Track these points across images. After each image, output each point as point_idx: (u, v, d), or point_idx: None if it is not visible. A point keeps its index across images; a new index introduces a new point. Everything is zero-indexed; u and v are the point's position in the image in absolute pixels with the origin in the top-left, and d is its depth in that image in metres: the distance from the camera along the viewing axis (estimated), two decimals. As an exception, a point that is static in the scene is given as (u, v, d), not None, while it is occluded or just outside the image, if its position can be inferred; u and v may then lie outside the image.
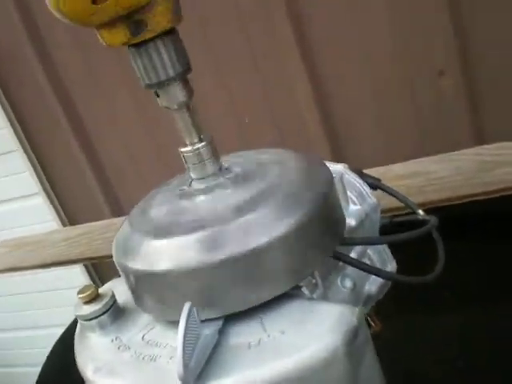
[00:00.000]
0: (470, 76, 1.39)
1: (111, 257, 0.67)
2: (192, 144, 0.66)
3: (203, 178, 0.67)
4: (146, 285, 0.62)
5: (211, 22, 1.59)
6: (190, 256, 0.58)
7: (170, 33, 0.61)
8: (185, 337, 0.54)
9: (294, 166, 0.66)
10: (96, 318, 0.67)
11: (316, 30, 1.50)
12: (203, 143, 0.66)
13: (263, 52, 1.58)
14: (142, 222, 0.67)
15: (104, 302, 0.67)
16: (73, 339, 0.71)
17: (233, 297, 0.59)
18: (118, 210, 2.05)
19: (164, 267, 0.59)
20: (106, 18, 0.56)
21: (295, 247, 0.59)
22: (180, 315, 0.55)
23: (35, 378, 1.45)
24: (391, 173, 1.39)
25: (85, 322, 0.68)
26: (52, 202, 2.23)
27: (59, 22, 0.57)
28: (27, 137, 2.12)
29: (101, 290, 0.69)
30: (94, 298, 0.68)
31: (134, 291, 0.65)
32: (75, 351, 0.68)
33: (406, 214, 0.87)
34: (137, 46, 0.60)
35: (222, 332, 0.59)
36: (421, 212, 0.84)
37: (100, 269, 2.40)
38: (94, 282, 2.41)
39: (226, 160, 0.71)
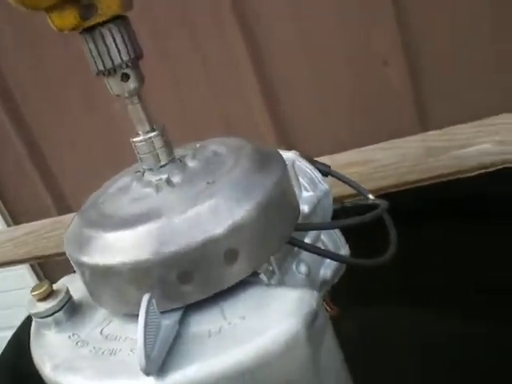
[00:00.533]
0: (414, 65, 1.41)
1: (59, 255, 0.66)
2: (144, 133, 0.65)
3: (156, 169, 0.66)
4: (102, 279, 0.61)
5: (157, 12, 1.57)
6: (144, 248, 0.58)
7: (122, 18, 0.60)
8: (145, 328, 0.53)
9: (247, 155, 0.66)
10: (51, 314, 0.66)
11: (262, 26, 1.51)
12: (155, 132, 0.65)
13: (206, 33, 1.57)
14: (94, 215, 0.66)
15: (59, 298, 0.66)
16: (23, 342, 0.70)
17: (191, 286, 0.59)
18: (65, 209, 2.01)
19: (119, 260, 0.59)
20: (54, 1, 0.55)
21: (251, 235, 0.59)
22: (138, 308, 0.55)
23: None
24: (336, 162, 1.40)
25: (40, 320, 0.67)
26: None
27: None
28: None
29: (55, 287, 0.68)
30: (49, 294, 0.66)
31: (90, 286, 0.64)
32: (31, 349, 0.67)
33: (357, 199, 0.89)
34: (89, 30, 0.59)
35: (182, 322, 0.59)
36: (371, 196, 0.85)
37: (47, 268, 2.35)
38: (40, 281, 2.33)
39: (178, 151, 0.70)
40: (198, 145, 0.73)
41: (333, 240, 0.81)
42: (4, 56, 1.84)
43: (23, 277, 2.36)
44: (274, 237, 0.63)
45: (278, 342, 0.54)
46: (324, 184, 0.80)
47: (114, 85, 0.63)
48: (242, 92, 1.60)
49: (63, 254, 0.66)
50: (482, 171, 1.29)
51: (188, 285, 0.59)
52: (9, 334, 1.53)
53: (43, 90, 1.83)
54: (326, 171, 0.86)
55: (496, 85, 1.37)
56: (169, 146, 0.67)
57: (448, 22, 1.36)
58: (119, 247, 0.59)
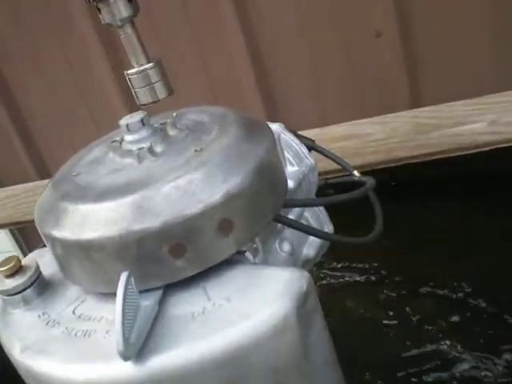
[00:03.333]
0: (407, 37, 1.36)
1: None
2: (139, 65, 0.61)
3: (134, 133, 0.61)
4: (76, 254, 0.57)
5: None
6: (121, 222, 0.54)
7: None
8: (123, 309, 0.50)
9: (233, 122, 0.62)
10: (20, 292, 0.62)
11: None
12: (151, 64, 0.61)
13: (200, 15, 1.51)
14: (68, 186, 0.61)
15: (28, 274, 0.62)
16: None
17: (173, 264, 0.55)
18: (45, 172, 1.93)
19: (94, 235, 0.54)
20: None
21: (246, 204, 0.56)
22: (114, 286, 0.51)
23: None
24: (327, 135, 1.37)
25: (7, 298, 0.62)
26: None
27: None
28: None
29: (24, 262, 0.63)
30: (17, 270, 0.62)
31: (62, 262, 0.60)
32: (-3, 329, 0.63)
33: (342, 175, 0.86)
34: None
35: (162, 303, 0.55)
36: (356, 173, 0.82)
37: (26, 234, 2.27)
38: (20, 247, 2.27)
39: (155, 119, 0.66)
40: (175, 113, 0.68)
41: (316, 217, 0.78)
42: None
43: (2, 241, 2.28)
44: (267, 208, 0.59)
45: (268, 325, 0.51)
46: (310, 159, 0.77)
47: (104, 13, 0.59)
48: (232, 66, 1.55)
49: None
50: (473, 151, 1.27)
51: (180, 259, 0.54)
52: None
53: (25, 54, 1.75)
54: (310, 146, 0.83)
55: (492, 61, 1.33)
56: (165, 79, 0.63)
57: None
58: (95, 220, 0.55)
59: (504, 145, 1.26)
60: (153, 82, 0.61)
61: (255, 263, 0.60)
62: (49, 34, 1.66)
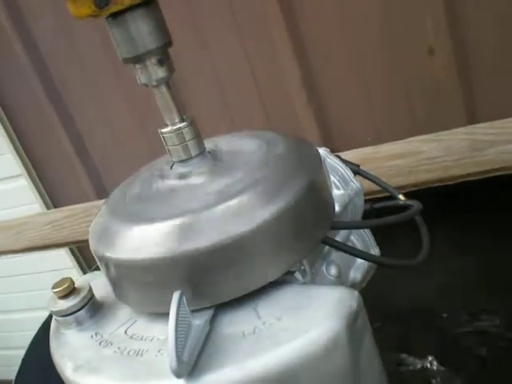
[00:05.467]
0: (461, 54, 1.36)
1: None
2: (172, 124, 0.62)
3: (185, 161, 0.63)
4: (128, 275, 0.58)
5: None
6: (173, 243, 0.55)
7: (148, 4, 0.57)
8: (176, 328, 0.50)
9: (282, 150, 0.63)
10: (73, 313, 0.63)
11: (304, 8, 1.47)
12: (184, 123, 0.62)
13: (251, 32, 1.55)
14: (121, 207, 0.63)
15: (81, 296, 0.63)
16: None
17: (224, 284, 0.56)
18: (102, 192, 1.98)
19: (146, 255, 0.56)
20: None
21: (282, 233, 0.56)
22: (166, 307, 0.52)
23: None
24: (381, 153, 1.37)
25: (61, 318, 0.64)
26: (35, 184, 2.17)
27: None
28: (9, 118, 2.06)
29: (77, 284, 0.65)
30: (70, 292, 0.63)
31: (114, 282, 0.61)
32: (51, 349, 0.64)
33: (386, 198, 0.86)
34: (114, 16, 0.57)
35: (213, 322, 0.56)
36: (401, 197, 0.82)
37: (85, 252, 2.32)
38: (79, 264, 2.34)
39: (210, 143, 0.67)
40: (230, 137, 0.69)
41: (363, 240, 0.78)
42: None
43: (62, 258, 2.37)
44: (315, 229, 0.60)
45: (319, 344, 0.51)
46: (356, 182, 0.77)
47: (140, 74, 0.61)
48: (283, 84, 1.57)
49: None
50: None
51: (220, 282, 0.55)
52: (45, 314, 1.51)
53: (85, 82, 1.84)
54: (355, 170, 0.83)
55: None
56: (198, 137, 0.64)
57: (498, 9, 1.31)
58: (147, 241, 0.56)
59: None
60: (186, 140, 0.63)
61: (304, 283, 0.60)
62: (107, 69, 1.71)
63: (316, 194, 0.60)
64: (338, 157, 0.83)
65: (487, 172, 1.27)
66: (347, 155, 1.40)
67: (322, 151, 0.78)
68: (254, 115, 1.64)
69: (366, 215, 0.82)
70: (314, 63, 1.51)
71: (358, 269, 0.76)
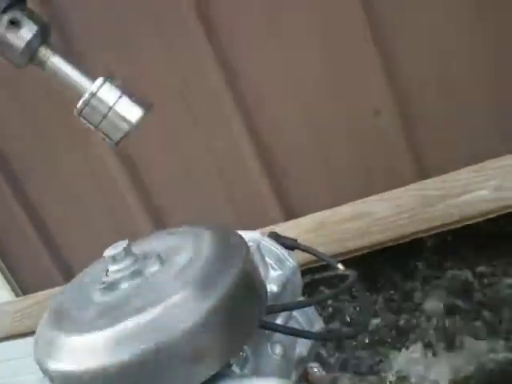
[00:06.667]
0: (406, 114, 1.41)
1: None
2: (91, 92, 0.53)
3: (120, 267, 0.65)
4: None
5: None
6: (108, 353, 0.57)
7: None
8: None
9: (209, 246, 0.65)
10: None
11: (250, 83, 1.52)
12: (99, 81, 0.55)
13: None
14: (59, 318, 0.65)
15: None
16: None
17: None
18: (70, 277, 1.96)
19: (85, 366, 0.57)
20: None
21: (215, 328, 0.59)
22: None
23: None
24: (338, 215, 1.40)
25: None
26: (2, 272, 2.13)
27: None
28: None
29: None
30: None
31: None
32: None
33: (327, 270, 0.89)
34: None
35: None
36: (340, 267, 0.85)
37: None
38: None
39: (140, 244, 0.70)
40: (157, 236, 0.72)
41: (306, 315, 0.81)
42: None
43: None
44: (248, 319, 0.63)
45: None
46: (291, 261, 0.80)
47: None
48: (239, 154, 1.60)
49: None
50: (481, 219, 1.29)
51: (162, 382, 0.57)
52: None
53: (45, 165, 1.84)
54: (293, 245, 0.86)
55: (494, 128, 1.36)
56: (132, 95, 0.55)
57: (438, 72, 1.37)
58: (85, 352, 0.58)
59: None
60: (111, 104, 0.49)
61: (242, 375, 0.62)
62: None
63: (244, 285, 0.62)
64: (275, 234, 0.86)
65: (437, 228, 1.31)
66: (305, 220, 1.45)
67: (257, 234, 0.81)
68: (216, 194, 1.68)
69: (308, 288, 0.85)
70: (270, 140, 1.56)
71: (304, 344, 0.79)
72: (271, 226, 1.42)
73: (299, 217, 1.49)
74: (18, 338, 1.95)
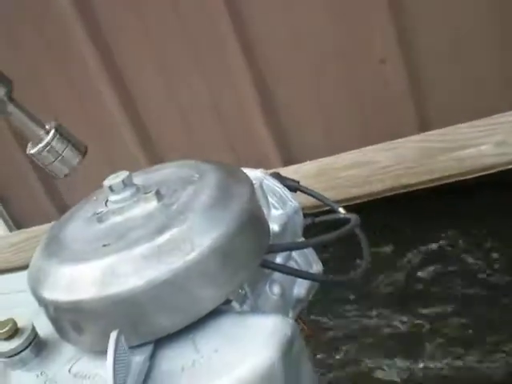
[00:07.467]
0: (412, 62, 1.37)
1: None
2: (39, 140, 0.61)
3: (119, 197, 0.63)
4: (67, 315, 0.59)
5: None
6: (108, 282, 0.56)
7: None
8: (114, 367, 0.51)
9: (213, 180, 0.64)
10: (18, 354, 0.63)
11: (255, 26, 1.47)
12: (51, 133, 0.61)
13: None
14: (56, 247, 0.63)
15: (24, 336, 0.64)
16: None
17: (160, 320, 0.57)
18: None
19: (84, 296, 0.56)
20: None
21: (215, 266, 0.58)
22: (106, 345, 0.53)
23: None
24: (338, 163, 1.39)
25: (6, 360, 0.64)
26: None
27: None
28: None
29: (20, 324, 0.65)
30: (14, 333, 0.64)
31: (55, 323, 0.62)
32: (-1, 390, 0.65)
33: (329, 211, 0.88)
34: None
35: (153, 357, 0.57)
36: (342, 211, 0.84)
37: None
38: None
39: (141, 176, 0.68)
40: (161, 169, 0.70)
41: (304, 257, 0.80)
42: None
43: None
44: (249, 256, 0.61)
45: (254, 375, 0.52)
46: (293, 201, 0.79)
47: None
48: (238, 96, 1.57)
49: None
50: (482, 173, 1.28)
51: (156, 318, 0.57)
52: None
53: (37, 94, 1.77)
54: (295, 187, 0.85)
55: (500, 82, 1.33)
56: (73, 140, 0.63)
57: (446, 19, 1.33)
58: (83, 281, 0.57)
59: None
60: (61, 152, 0.60)
61: (242, 311, 0.62)
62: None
63: (248, 222, 0.61)
64: (278, 174, 0.85)
65: (438, 180, 1.30)
66: (306, 166, 1.44)
67: (260, 173, 0.79)
68: (216, 140, 1.65)
69: (309, 231, 0.84)
70: (270, 84, 1.52)
71: (302, 285, 0.78)
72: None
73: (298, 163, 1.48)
74: (14, 271, 1.95)
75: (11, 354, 0.63)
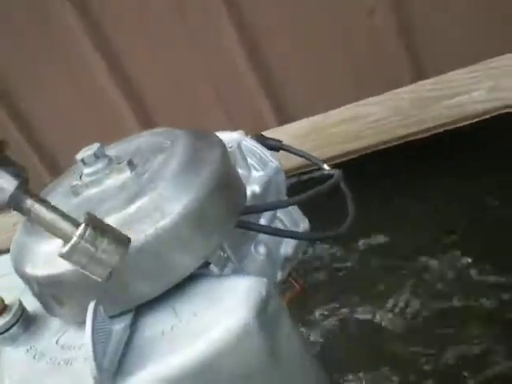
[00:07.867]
0: (402, 12, 1.35)
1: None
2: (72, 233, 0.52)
3: (92, 170, 0.63)
4: (48, 290, 0.60)
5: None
6: None
7: None
8: (93, 336, 0.52)
9: (183, 146, 0.63)
10: (6, 330, 0.64)
11: None
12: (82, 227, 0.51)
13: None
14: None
15: (12, 312, 0.65)
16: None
17: (137, 288, 0.57)
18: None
19: (61, 269, 0.57)
20: None
21: (190, 228, 0.58)
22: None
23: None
24: (329, 119, 1.37)
25: (-4, 337, 0.65)
26: None
27: None
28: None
29: (7, 301, 0.66)
30: (2, 310, 0.65)
31: (39, 297, 0.63)
32: (-9, 366, 0.66)
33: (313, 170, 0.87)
34: None
35: (135, 325, 0.58)
36: (326, 167, 0.84)
37: None
38: None
39: (115, 148, 0.68)
40: (133, 139, 0.70)
41: (290, 216, 0.80)
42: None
43: None
44: (217, 225, 0.61)
45: (231, 334, 0.53)
46: (274, 161, 0.79)
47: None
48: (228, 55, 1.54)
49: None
50: (475, 120, 1.27)
51: (134, 285, 0.57)
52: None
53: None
54: (277, 146, 0.85)
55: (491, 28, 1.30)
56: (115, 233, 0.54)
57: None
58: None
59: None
60: (98, 249, 0.51)
61: (220, 274, 0.62)
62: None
63: (219, 185, 0.61)
64: (261, 136, 0.84)
65: (432, 129, 1.29)
66: (297, 125, 1.42)
67: (238, 135, 0.79)
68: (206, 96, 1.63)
69: (294, 189, 0.83)
70: (257, 33, 1.49)
71: (288, 243, 0.78)
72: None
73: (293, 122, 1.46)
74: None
75: (0, 331, 0.65)
